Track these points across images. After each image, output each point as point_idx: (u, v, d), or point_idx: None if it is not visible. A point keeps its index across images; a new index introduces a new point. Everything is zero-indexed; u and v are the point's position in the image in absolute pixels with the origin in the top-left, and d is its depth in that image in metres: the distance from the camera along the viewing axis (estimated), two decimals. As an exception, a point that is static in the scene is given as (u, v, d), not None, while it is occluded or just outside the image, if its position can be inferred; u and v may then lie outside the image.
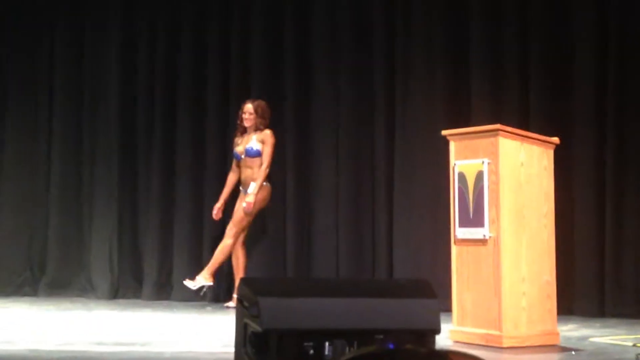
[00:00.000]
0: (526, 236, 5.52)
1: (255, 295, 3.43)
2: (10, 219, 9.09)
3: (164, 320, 7.08)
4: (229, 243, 7.85)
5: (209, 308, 7.94)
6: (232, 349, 3.69)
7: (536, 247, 5.55)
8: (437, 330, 3.55)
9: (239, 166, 7.97)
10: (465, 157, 5.64)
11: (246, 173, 7.88)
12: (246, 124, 7.91)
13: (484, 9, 7.82)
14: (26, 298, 8.71)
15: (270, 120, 7.95)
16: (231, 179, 8.06)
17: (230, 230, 7.87)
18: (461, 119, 7.30)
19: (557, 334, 5.62)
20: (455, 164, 5.70)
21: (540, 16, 7.60)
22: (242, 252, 7.93)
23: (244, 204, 7.79)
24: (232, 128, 8.21)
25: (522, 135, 5.60)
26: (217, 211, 8.06)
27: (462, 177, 5.64)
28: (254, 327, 3.41)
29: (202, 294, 7.97)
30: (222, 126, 8.55)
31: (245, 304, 3.52)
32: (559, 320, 5.70)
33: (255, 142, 7.85)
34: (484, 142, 5.55)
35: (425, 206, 7.84)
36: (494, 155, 5.48)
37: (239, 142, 7.97)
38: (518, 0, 7.71)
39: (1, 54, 9.25)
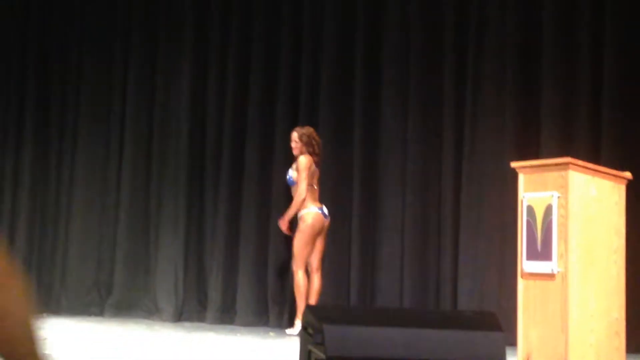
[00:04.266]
0: (595, 272, 5.43)
1: (320, 322, 3.42)
2: (81, 242, 9.27)
3: (228, 345, 7.10)
4: (297, 279, 7.83)
5: (272, 334, 7.95)
6: (295, 376, 3.69)
7: (605, 283, 5.45)
8: (503, 365, 3.50)
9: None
10: (534, 190, 5.58)
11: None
12: (294, 152, 7.92)
13: (555, 39, 7.75)
14: (92, 318, 8.84)
15: (319, 147, 7.90)
16: None
17: (295, 265, 7.85)
18: (530, 151, 7.24)
19: (626, 372, 5.51)
20: (524, 197, 5.64)
21: (613, 47, 7.51)
22: (317, 278, 7.88)
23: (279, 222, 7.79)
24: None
25: (593, 169, 5.53)
26: (285, 228, 8.03)
27: (530, 210, 5.58)
28: (318, 354, 3.40)
29: (269, 332, 7.92)
30: (289, 153, 8.59)
31: (310, 331, 3.52)
32: (628, 358, 5.59)
33: (292, 171, 7.87)
34: (553, 175, 5.49)
35: (491, 238, 7.77)
36: (563, 188, 5.41)
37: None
38: (590, 30, 7.64)
39: (74, 79, 9.44)
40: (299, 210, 7.79)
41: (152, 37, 9.35)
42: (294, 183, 7.83)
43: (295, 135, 7.93)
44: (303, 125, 8.09)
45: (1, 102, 9.52)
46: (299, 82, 8.76)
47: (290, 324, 8.08)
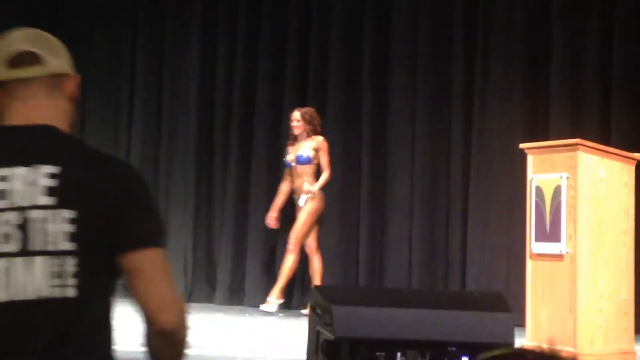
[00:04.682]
0: (604, 253, 5.42)
1: (328, 303, 3.43)
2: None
3: (237, 325, 7.13)
4: (293, 258, 7.85)
5: (280, 314, 7.98)
6: (303, 356, 3.70)
7: (614, 264, 5.45)
8: (511, 345, 3.51)
9: (291, 175, 7.97)
10: (543, 171, 5.57)
11: (298, 181, 7.87)
12: (295, 131, 7.90)
13: (565, 20, 7.73)
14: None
15: (320, 126, 7.91)
16: (284, 188, 8.06)
17: (292, 244, 7.86)
18: (539, 133, 7.22)
19: (634, 353, 5.51)
20: (532, 178, 5.63)
21: (624, 28, 7.48)
22: (317, 259, 7.91)
23: (308, 192, 7.77)
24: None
25: (603, 150, 5.51)
26: (273, 221, 8.08)
27: (539, 191, 5.57)
28: (327, 335, 3.41)
29: (278, 313, 7.94)
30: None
31: (319, 311, 3.53)
32: (636, 339, 5.59)
33: (306, 149, 7.83)
34: (562, 157, 5.48)
35: (500, 219, 7.77)
36: (572, 169, 5.40)
37: (290, 150, 7.97)
38: (601, 11, 7.60)
39: (83, 64, 9.43)
40: (307, 191, 7.79)
41: (160, 17, 9.31)
42: (310, 161, 7.82)
43: (297, 114, 7.91)
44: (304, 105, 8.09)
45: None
46: (307, 61, 8.74)
47: (301, 305, 8.10)
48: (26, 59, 1.97)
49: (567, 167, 5.43)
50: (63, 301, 1.89)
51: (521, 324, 5.59)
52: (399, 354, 3.37)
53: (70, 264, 1.89)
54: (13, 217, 1.87)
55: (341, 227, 8.40)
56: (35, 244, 1.87)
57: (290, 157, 7.94)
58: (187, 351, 1.99)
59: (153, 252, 1.95)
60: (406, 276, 8.19)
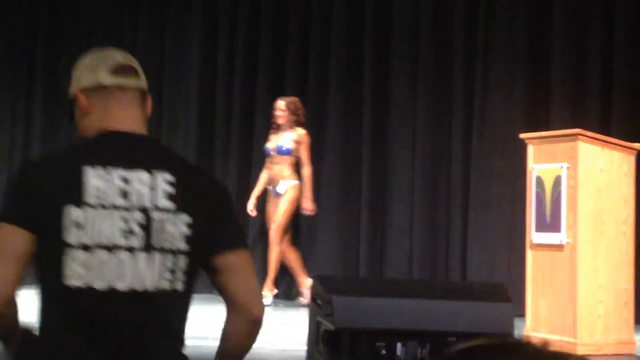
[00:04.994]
0: (604, 243, 5.43)
1: (329, 293, 3.44)
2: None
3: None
4: (278, 250, 7.84)
5: (281, 305, 7.98)
6: (304, 347, 3.71)
7: (614, 254, 5.46)
8: (511, 335, 3.52)
9: (270, 162, 7.87)
10: (544, 161, 5.57)
11: (275, 170, 7.79)
12: (279, 121, 7.84)
13: (566, 10, 7.72)
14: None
15: (304, 117, 7.86)
16: (264, 176, 7.99)
17: (274, 237, 7.81)
18: (540, 123, 7.22)
19: (634, 343, 5.52)
20: (533, 168, 5.64)
21: (625, 18, 7.47)
22: (293, 254, 7.89)
23: (306, 206, 7.77)
24: (310, 135, 8.23)
25: (603, 141, 5.52)
26: (253, 207, 8.02)
27: (539, 181, 5.57)
28: (327, 325, 3.42)
29: (273, 305, 7.94)
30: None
31: (319, 302, 3.53)
32: (636, 329, 5.60)
33: (288, 141, 7.77)
34: (563, 147, 5.48)
35: (501, 209, 7.77)
36: (573, 160, 5.40)
37: (272, 138, 7.90)
38: (603, 1, 7.59)
39: (84, 46, 9.42)
40: (286, 180, 7.75)
41: (160, 17, 9.30)
42: (289, 153, 7.74)
43: (282, 104, 7.85)
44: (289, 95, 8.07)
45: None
46: (307, 51, 8.73)
47: (299, 295, 8.11)
48: (127, 70, 2.24)
49: (567, 157, 5.43)
50: (173, 293, 2.17)
51: (521, 314, 5.60)
52: (399, 344, 3.38)
53: (182, 262, 2.17)
54: (138, 216, 2.12)
55: (342, 217, 8.40)
56: (156, 241, 2.13)
57: (271, 145, 7.86)
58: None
59: (244, 252, 2.26)
60: (407, 266, 8.19)
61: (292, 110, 7.82)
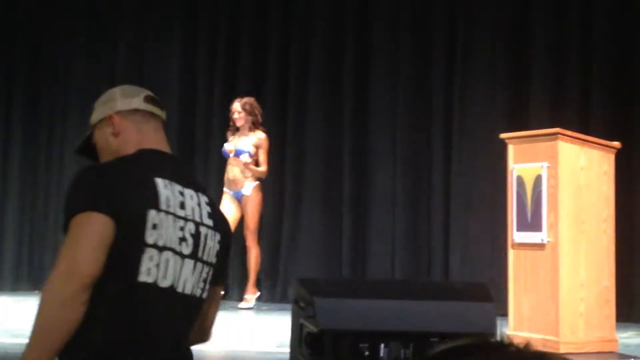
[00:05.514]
0: (585, 241, 5.45)
1: (311, 295, 3.44)
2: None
3: (220, 319, 7.11)
4: (255, 252, 7.83)
5: (264, 307, 7.98)
6: (287, 349, 3.71)
7: (595, 252, 5.48)
8: (494, 334, 3.52)
9: (228, 164, 7.80)
10: (524, 161, 5.59)
11: (233, 172, 7.72)
12: (237, 123, 7.76)
13: (546, 8, 7.75)
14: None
15: (262, 116, 7.82)
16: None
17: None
18: (520, 123, 7.24)
19: (616, 340, 5.55)
20: (513, 168, 5.66)
21: (604, 17, 7.51)
22: (255, 252, 7.91)
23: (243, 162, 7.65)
24: (291, 136, 8.21)
25: (582, 140, 5.54)
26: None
27: (520, 180, 5.59)
28: (310, 327, 3.42)
29: (256, 308, 7.93)
30: (280, 132, 8.54)
31: (301, 304, 3.53)
32: (617, 326, 5.63)
33: (247, 144, 7.69)
34: (543, 146, 5.50)
35: (482, 209, 7.79)
36: (553, 159, 5.42)
37: (230, 140, 7.83)
38: (581, 3, 7.63)
39: (64, 57, 9.37)
40: (249, 182, 7.70)
41: (141, 24, 9.29)
42: (251, 156, 7.64)
43: (237, 105, 7.78)
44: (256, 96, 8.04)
45: None
46: (287, 53, 8.73)
47: (284, 298, 8.11)
48: (155, 101, 2.56)
49: (547, 157, 5.45)
50: (200, 301, 2.45)
51: (504, 313, 5.61)
52: (382, 346, 3.38)
53: (210, 274, 2.46)
54: (192, 227, 2.39)
55: (324, 218, 8.40)
56: (200, 252, 2.42)
57: (229, 147, 7.78)
58: None
59: (222, 286, 2.60)
60: (389, 267, 8.21)
61: (248, 110, 7.74)
